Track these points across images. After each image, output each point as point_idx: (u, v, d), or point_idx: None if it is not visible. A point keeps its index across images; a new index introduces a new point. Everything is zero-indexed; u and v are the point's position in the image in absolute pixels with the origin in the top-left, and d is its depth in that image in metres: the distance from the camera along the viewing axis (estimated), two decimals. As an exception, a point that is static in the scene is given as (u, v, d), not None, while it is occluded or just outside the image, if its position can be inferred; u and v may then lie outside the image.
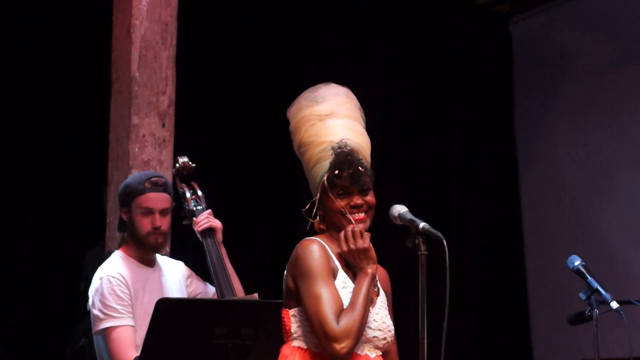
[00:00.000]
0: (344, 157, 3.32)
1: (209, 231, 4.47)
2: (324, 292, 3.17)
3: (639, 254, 7.00)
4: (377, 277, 3.37)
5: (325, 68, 6.89)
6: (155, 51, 5.21)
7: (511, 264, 7.43)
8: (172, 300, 4.05)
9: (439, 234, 3.21)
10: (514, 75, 7.69)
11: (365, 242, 3.23)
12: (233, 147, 6.67)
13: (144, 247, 4.36)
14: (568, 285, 5.68)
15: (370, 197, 3.34)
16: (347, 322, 3.13)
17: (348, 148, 3.34)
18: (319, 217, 3.37)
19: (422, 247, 3.23)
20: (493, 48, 7.63)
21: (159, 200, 4.35)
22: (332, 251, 3.29)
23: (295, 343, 3.31)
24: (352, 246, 3.20)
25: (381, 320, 3.31)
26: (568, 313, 4.61)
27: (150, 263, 4.40)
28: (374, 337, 3.27)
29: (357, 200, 3.31)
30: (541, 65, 7.62)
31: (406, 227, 3.30)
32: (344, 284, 3.26)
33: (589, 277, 4.43)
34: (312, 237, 3.32)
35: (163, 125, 5.21)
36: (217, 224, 4.49)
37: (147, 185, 4.35)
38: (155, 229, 4.32)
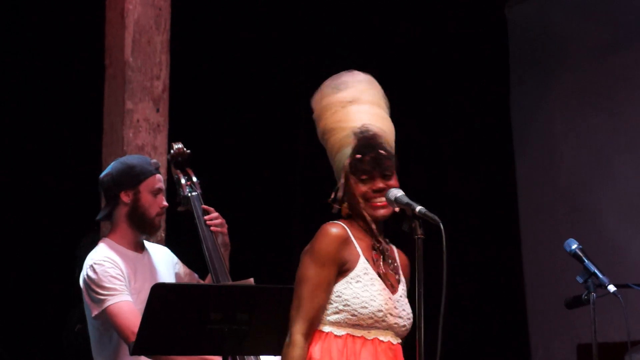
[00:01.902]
0: (365, 141, 3.33)
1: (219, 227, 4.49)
2: (312, 283, 3.24)
3: (635, 237, 7.01)
4: (399, 264, 3.41)
5: (318, 47, 6.88)
6: (149, 36, 5.20)
7: (507, 249, 7.43)
8: (167, 285, 4.07)
9: (436, 217, 3.21)
10: (510, 59, 7.70)
11: None
12: (228, 131, 6.67)
13: (145, 229, 4.35)
14: (565, 268, 5.61)
15: (394, 182, 3.33)
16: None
17: (370, 132, 3.34)
18: (343, 203, 3.37)
19: (419, 231, 3.22)
20: (488, 32, 7.63)
21: (162, 180, 4.44)
22: (354, 237, 3.30)
23: None
24: None
25: (402, 307, 3.33)
26: (565, 297, 4.60)
27: (139, 248, 4.39)
28: (395, 324, 3.30)
29: (379, 184, 3.30)
30: (537, 49, 7.62)
31: (402, 211, 3.29)
32: (365, 270, 3.29)
33: (586, 261, 4.42)
34: (337, 221, 3.33)
35: (157, 111, 5.20)
36: (226, 239, 4.51)
37: (154, 166, 4.40)
38: (161, 209, 4.37)
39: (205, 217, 4.47)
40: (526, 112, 7.59)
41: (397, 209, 3.32)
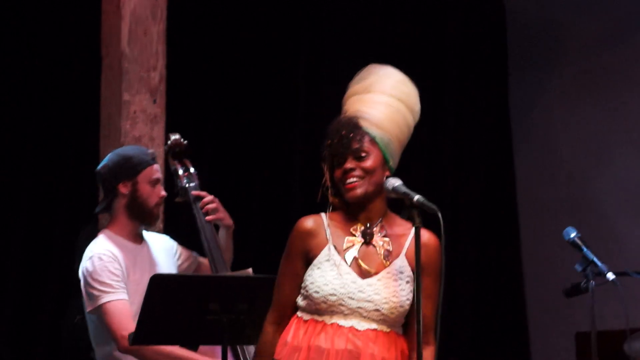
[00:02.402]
0: (334, 126, 3.34)
1: (214, 211, 4.48)
2: (281, 274, 3.39)
3: (634, 225, 7.00)
4: (405, 248, 3.37)
5: (317, 39, 6.86)
6: (146, 26, 5.18)
7: (506, 238, 7.41)
8: (165, 276, 4.07)
9: (434, 206, 3.21)
10: (508, 49, 7.67)
11: None
12: (226, 122, 6.61)
13: (145, 219, 4.35)
14: (564, 257, 5.62)
15: (367, 163, 3.31)
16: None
17: (343, 117, 3.36)
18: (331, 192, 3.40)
19: (417, 220, 3.22)
20: (487, 22, 7.60)
21: (159, 170, 4.43)
22: (330, 224, 3.34)
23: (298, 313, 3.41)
24: None
25: (374, 291, 3.31)
26: (564, 285, 4.61)
27: (138, 239, 4.39)
28: (360, 308, 3.29)
29: (347, 164, 3.30)
30: (535, 39, 7.60)
31: (401, 200, 3.29)
32: (327, 256, 3.32)
33: (585, 249, 4.43)
34: (320, 213, 3.38)
35: (154, 102, 5.19)
36: (221, 214, 4.51)
37: (151, 156, 4.39)
38: (160, 198, 4.37)
39: (201, 203, 4.48)
40: (525, 102, 7.58)
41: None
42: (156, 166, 4.39)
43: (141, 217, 4.35)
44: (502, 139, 7.54)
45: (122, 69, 5.13)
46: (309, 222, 3.36)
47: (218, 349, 4.12)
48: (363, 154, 3.31)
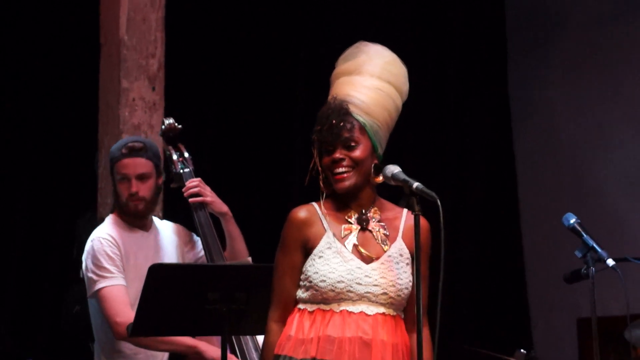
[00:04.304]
0: (324, 112, 3.31)
1: (197, 196, 4.43)
2: (279, 269, 3.32)
3: (635, 210, 7.00)
4: (401, 231, 3.37)
5: (319, 24, 6.83)
6: (144, 13, 5.18)
7: (506, 223, 7.39)
8: (164, 265, 4.04)
9: (433, 194, 3.20)
10: (507, 30, 7.62)
11: None
12: (225, 110, 6.59)
13: (126, 214, 4.34)
14: (564, 243, 5.54)
15: (357, 153, 3.29)
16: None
17: (333, 103, 3.32)
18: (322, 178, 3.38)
19: (416, 207, 3.22)
20: (485, 2, 7.58)
21: (136, 165, 4.32)
22: (324, 213, 3.32)
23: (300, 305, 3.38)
24: None
25: (380, 275, 3.31)
26: (564, 271, 4.60)
27: (144, 227, 4.39)
28: (368, 292, 3.28)
29: (336, 154, 3.28)
30: (535, 19, 7.56)
31: (400, 188, 3.28)
32: (328, 244, 3.30)
33: (585, 235, 4.39)
34: (312, 203, 3.36)
35: (153, 89, 5.19)
36: (208, 198, 4.45)
37: (124, 151, 4.31)
38: (132, 195, 4.30)
39: (185, 188, 4.45)
40: (525, 83, 7.54)
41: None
42: (127, 160, 4.32)
43: (122, 211, 4.35)
44: (501, 122, 7.52)
45: (121, 57, 5.13)
46: (302, 212, 3.33)
47: (215, 338, 4.14)
48: (353, 144, 3.29)
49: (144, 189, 4.32)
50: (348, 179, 3.29)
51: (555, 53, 7.45)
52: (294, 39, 6.75)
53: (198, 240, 4.49)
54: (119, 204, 4.33)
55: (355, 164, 3.29)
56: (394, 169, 3.31)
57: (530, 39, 7.57)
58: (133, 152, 4.31)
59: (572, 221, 4.46)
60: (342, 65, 3.40)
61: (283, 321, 3.32)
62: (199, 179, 4.48)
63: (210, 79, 6.54)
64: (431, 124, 7.20)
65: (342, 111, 3.29)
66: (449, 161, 7.30)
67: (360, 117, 3.31)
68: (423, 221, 3.31)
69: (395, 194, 3.34)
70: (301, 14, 6.87)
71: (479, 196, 7.34)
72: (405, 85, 3.43)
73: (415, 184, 3.23)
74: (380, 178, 3.32)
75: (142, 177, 4.32)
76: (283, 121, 6.64)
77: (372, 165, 3.32)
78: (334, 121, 3.27)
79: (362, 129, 3.30)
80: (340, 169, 3.28)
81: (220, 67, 6.56)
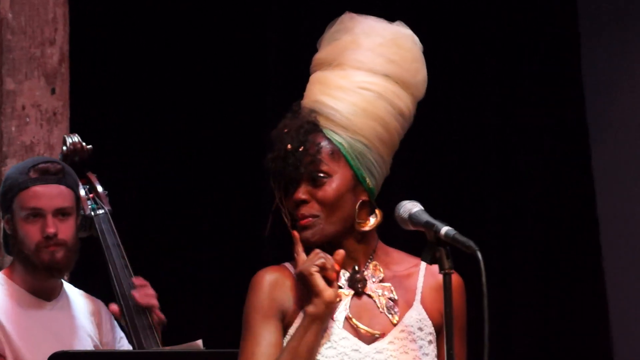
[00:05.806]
0: (279, 130, 2.93)
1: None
2: (251, 334, 2.92)
3: None
4: (419, 294, 2.97)
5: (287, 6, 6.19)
6: (37, -19, 4.90)
7: (584, 226, 6.89)
8: (70, 354, 3.68)
9: (471, 243, 2.72)
10: (579, 12, 7.23)
11: (308, 263, 2.81)
12: (159, 122, 5.84)
13: (37, 270, 3.84)
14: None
15: (327, 190, 2.89)
16: None
17: (299, 115, 2.94)
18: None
19: (446, 263, 2.76)
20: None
21: (53, 195, 3.82)
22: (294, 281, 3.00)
23: None
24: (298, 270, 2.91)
25: (390, 359, 2.94)
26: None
27: (49, 295, 3.91)
28: None
29: (298, 193, 2.89)
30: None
31: (422, 234, 2.82)
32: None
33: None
34: (276, 265, 2.98)
35: (53, 92, 4.74)
36: (160, 314, 3.94)
37: (32, 174, 3.82)
38: (48, 238, 3.78)
39: (133, 292, 3.89)
40: (602, 75, 7.32)
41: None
42: (39, 188, 3.80)
43: (32, 267, 3.81)
44: (575, 127, 7.01)
45: (4, 45, 4.69)
46: (270, 274, 2.93)
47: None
48: (320, 176, 2.86)
49: (65, 230, 3.83)
50: (313, 228, 2.89)
51: (637, 37, 7.32)
52: (260, 12, 6.03)
53: (109, 323, 4.07)
54: (25, 254, 3.83)
55: (324, 206, 2.89)
56: (411, 207, 2.86)
57: (607, 23, 7.31)
58: (48, 175, 3.84)
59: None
60: (321, 51, 2.99)
61: None
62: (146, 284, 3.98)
63: (137, 77, 5.76)
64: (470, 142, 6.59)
65: (304, 129, 2.91)
66: (517, 169, 6.74)
67: (335, 134, 2.90)
68: (456, 278, 2.92)
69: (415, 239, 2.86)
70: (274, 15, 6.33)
71: (550, 203, 6.83)
72: (417, 76, 2.96)
73: (444, 229, 2.80)
74: (371, 222, 2.91)
75: (62, 213, 3.83)
76: (246, 134, 5.95)
77: (358, 204, 2.90)
78: (289, 146, 2.88)
79: (337, 152, 2.89)
80: (303, 214, 2.91)
81: (152, 59, 5.79)
